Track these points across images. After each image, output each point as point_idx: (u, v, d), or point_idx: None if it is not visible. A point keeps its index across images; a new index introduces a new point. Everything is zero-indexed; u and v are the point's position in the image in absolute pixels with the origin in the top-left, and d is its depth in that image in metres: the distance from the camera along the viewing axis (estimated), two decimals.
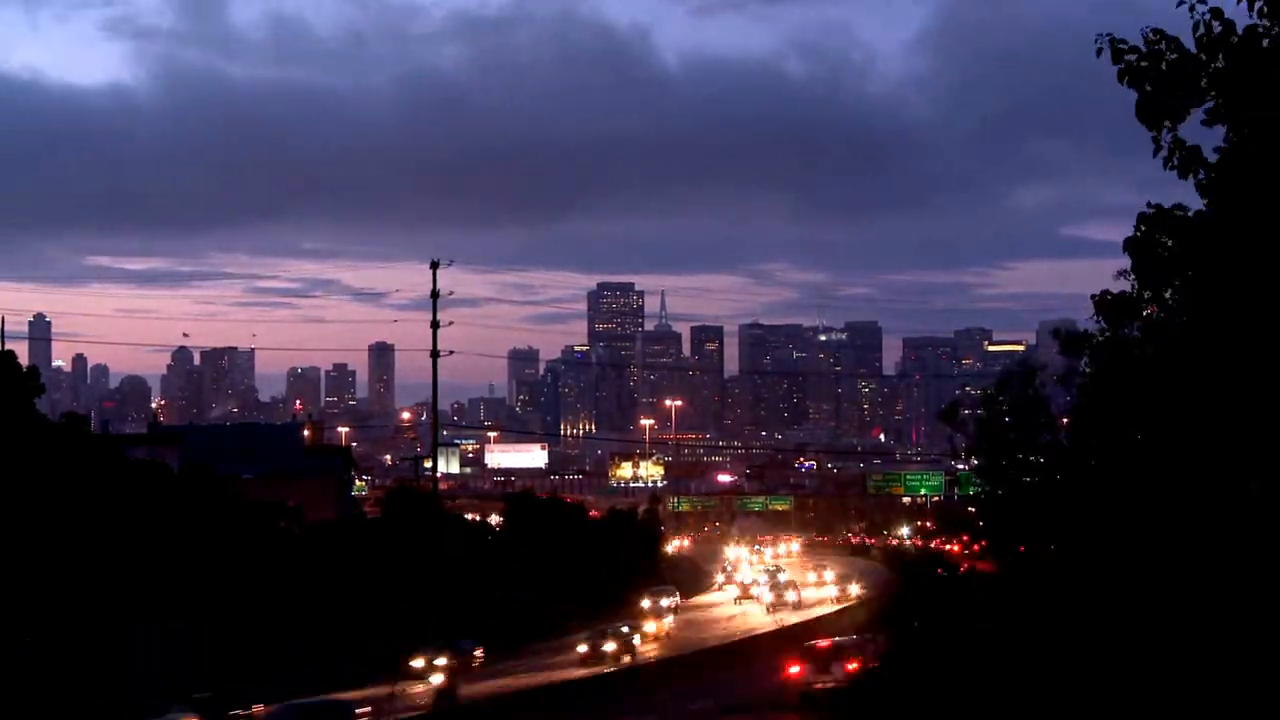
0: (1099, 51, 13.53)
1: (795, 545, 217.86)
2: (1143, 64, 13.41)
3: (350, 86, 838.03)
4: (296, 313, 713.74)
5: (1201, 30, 13.18)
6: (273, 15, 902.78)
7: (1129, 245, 14.62)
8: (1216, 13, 13.22)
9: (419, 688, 68.46)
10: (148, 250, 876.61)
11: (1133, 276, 15.14)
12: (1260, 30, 13.30)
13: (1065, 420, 24.80)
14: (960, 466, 58.05)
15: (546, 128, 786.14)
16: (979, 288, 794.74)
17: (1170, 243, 14.33)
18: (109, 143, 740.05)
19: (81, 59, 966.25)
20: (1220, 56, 13.28)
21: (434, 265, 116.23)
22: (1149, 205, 14.39)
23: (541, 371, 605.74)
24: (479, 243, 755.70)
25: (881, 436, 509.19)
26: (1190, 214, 14.42)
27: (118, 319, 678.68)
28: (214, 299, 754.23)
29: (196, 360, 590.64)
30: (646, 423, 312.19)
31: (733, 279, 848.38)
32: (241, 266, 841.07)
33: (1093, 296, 15.81)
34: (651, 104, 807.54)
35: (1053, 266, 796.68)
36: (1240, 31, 13.36)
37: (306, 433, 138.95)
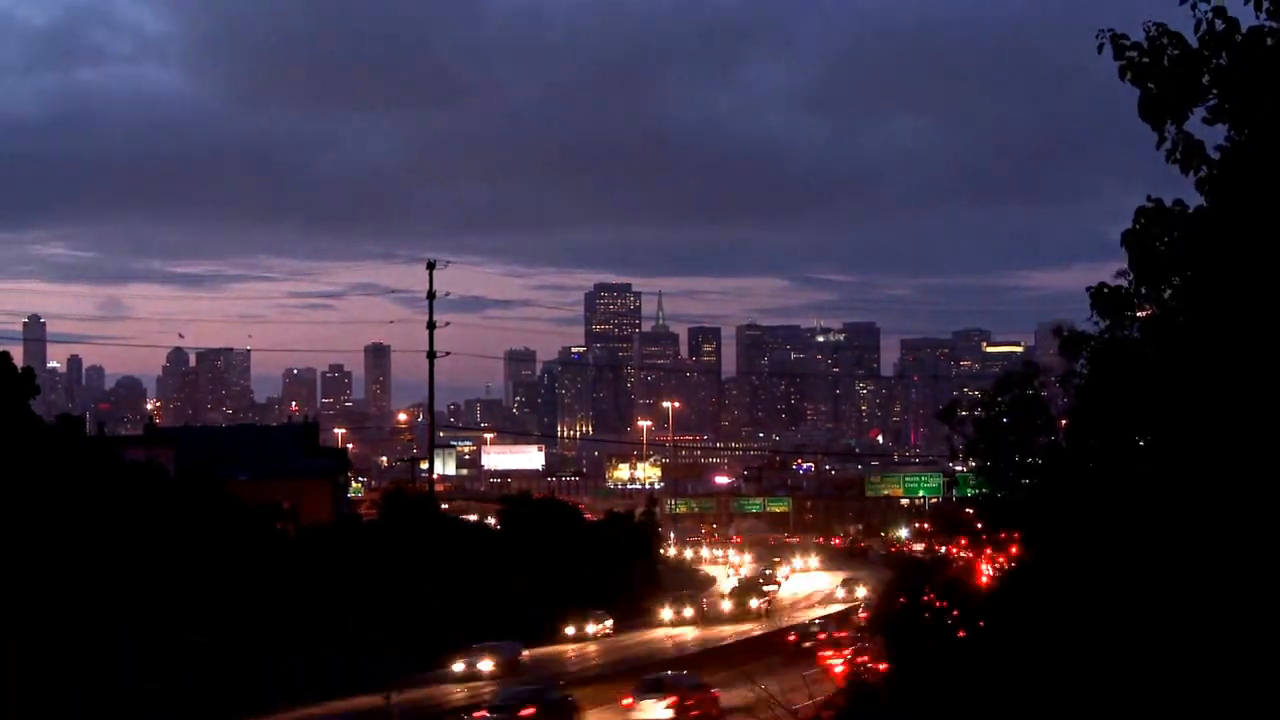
0: (1100, 48, 13.33)
1: (812, 561, 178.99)
2: (1144, 61, 13.20)
3: None
4: (326, 314, 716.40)
5: (1204, 28, 12.98)
6: None
7: (1127, 239, 14.45)
8: (1219, 11, 13.02)
9: None
10: (200, 251, 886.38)
11: (1131, 273, 14.99)
12: (1266, 30, 13.11)
13: (1064, 422, 24.63)
14: (958, 468, 57.94)
15: (551, 128, 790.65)
16: (1017, 290, 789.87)
17: (1169, 238, 14.17)
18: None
19: None
20: (1223, 54, 13.09)
21: (430, 266, 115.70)
22: (1149, 200, 14.24)
23: (538, 373, 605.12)
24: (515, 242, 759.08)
25: (879, 438, 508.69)
26: (1190, 210, 14.27)
27: (139, 321, 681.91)
28: (257, 300, 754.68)
29: (192, 362, 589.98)
30: (644, 424, 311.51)
31: (741, 282, 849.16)
32: (289, 271, 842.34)
33: (1089, 289, 15.64)
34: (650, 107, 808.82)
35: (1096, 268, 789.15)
36: (1245, 31, 13.17)
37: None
